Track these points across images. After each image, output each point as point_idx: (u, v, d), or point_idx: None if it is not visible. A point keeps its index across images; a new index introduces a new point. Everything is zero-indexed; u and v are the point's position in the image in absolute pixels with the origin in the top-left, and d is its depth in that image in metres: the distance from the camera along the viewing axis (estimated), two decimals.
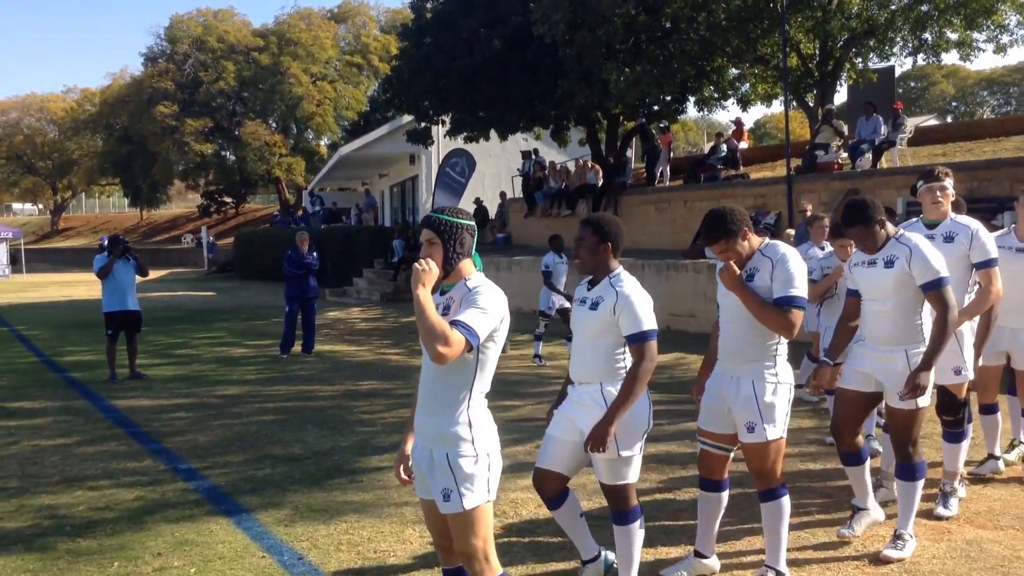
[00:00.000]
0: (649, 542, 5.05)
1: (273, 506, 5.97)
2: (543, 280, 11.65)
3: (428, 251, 3.41)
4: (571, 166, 24.64)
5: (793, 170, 16.45)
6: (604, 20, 18.10)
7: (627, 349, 4.01)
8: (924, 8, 16.76)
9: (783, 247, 4.20)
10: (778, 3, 15.27)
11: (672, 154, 22.83)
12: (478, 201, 27.06)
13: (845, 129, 18.02)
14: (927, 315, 4.58)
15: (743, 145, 22.39)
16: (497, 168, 29.60)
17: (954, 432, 5.29)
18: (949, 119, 55.96)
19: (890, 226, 4.65)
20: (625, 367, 4.02)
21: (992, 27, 16.84)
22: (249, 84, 53.99)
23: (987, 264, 5.08)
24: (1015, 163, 13.25)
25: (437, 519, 3.49)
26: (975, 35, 17.20)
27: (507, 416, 8.13)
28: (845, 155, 16.57)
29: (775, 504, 4.22)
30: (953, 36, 17.30)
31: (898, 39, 18.13)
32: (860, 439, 4.87)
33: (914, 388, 4.40)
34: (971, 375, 5.18)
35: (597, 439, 3.88)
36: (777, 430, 4.17)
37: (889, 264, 4.51)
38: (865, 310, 4.71)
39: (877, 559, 4.63)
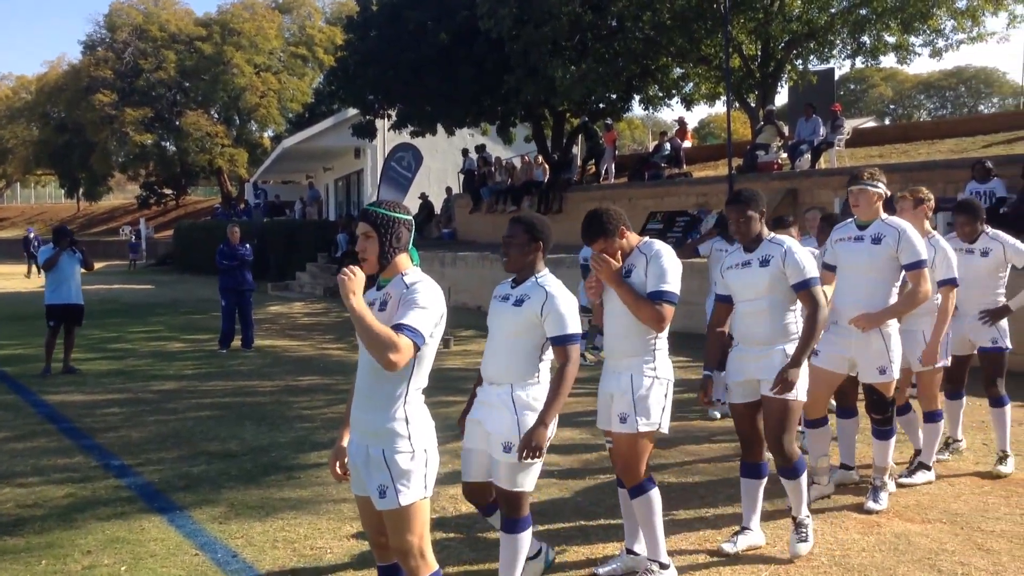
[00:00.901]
0: (586, 538, 5.10)
1: (208, 503, 5.88)
2: (581, 274, 11.34)
3: (364, 244, 3.38)
4: (517, 162, 24.67)
5: (734, 169, 16.67)
6: (551, 17, 18.13)
7: (544, 352, 3.99)
8: (863, 12, 17.08)
9: (659, 245, 4.28)
10: (721, 4, 15.43)
11: (617, 152, 22.97)
12: (424, 196, 26.96)
13: (785, 130, 18.30)
14: (799, 313, 4.63)
15: (687, 144, 22.64)
16: (444, 163, 29.50)
17: (883, 430, 5.35)
18: (887, 121, 57.18)
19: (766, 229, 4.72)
20: (539, 370, 3.99)
21: (928, 31, 17.22)
22: (191, 74, 53.00)
23: (915, 266, 5.12)
24: (948, 165, 13.60)
25: (373, 515, 3.46)
26: (912, 39, 17.57)
27: (449, 412, 8.08)
28: (785, 155, 16.84)
29: (645, 498, 4.23)
30: (891, 40, 17.65)
31: (837, 42, 18.47)
32: (766, 452, 4.79)
33: (783, 384, 4.45)
34: (896, 375, 5.22)
35: (531, 447, 3.80)
36: (650, 424, 4.19)
37: (764, 263, 4.59)
38: (738, 312, 4.74)
39: (790, 554, 4.69)
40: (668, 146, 20.29)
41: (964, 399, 6.29)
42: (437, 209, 27.44)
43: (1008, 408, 6.10)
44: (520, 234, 4.04)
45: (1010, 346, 6.08)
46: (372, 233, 3.38)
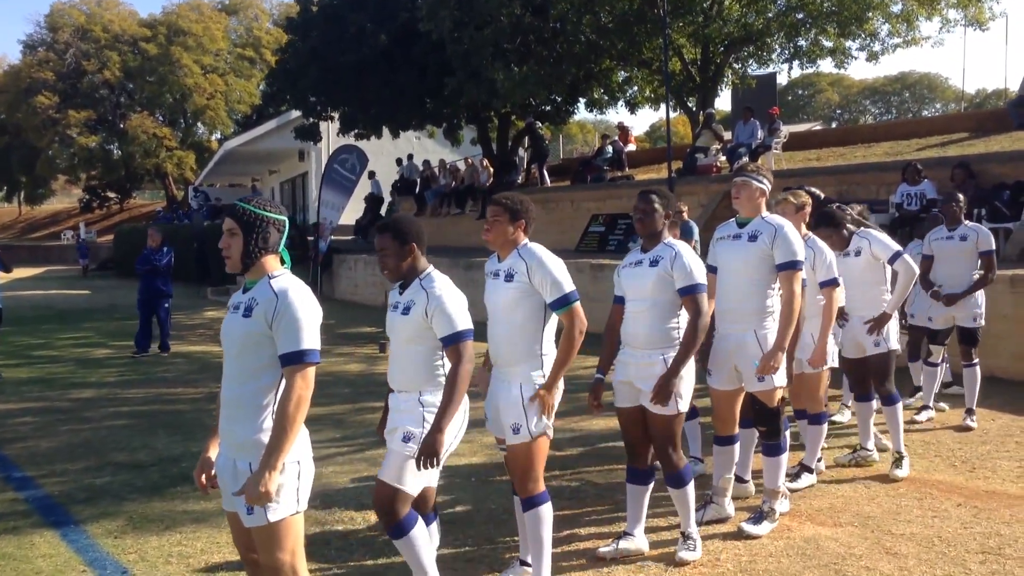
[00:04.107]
0: (494, 546, 4.98)
1: (106, 516, 5.67)
2: None
3: (228, 241, 3.22)
4: (461, 165, 24.52)
5: (674, 172, 16.70)
6: (491, 19, 18.02)
7: (445, 353, 3.86)
8: (799, 16, 17.21)
9: (539, 249, 4.16)
10: (660, 7, 15.43)
11: (555, 154, 22.92)
12: (368, 199, 26.67)
13: (727, 134, 18.39)
14: (683, 321, 4.53)
15: (631, 147, 22.67)
16: (390, 166, 29.20)
17: (770, 445, 5.04)
18: (834, 125, 58.04)
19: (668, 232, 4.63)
20: (444, 373, 3.86)
21: (864, 36, 17.39)
22: (136, 75, 52.10)
23: (788, 266, 4.85)
24: (881, 168, 13.72)
25: (243, 532, 3.29)
26: (848, 43, 17.74)
27: (376, 419, 7.92)
28: (723, 158, 16.89)
29: (536, 512, 4.11)
30: (828, 44, 17.81)
31: (775, 45, 18.59)
32: (650, 458, 4.68)
33: (664, 395, 4.37)
34: (780, 382, 4.94)
35: (428, 453, 3.67)
36: (542, 428, 4.09)
37: (654, 263, 4.49)
38: (626, 312, 4.63)
39: (674, 562, 4.60)
40: (610, 149, 20.29)
41: (874, 403, 6.25)
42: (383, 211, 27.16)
43: (899, 407, 6.09)
44: (389, 242, 3.92)
45: (896, 347, 6.06)
46: (237, 230, 3.22)
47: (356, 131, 23.16)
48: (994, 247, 7.35)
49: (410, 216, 4.19)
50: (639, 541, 4.69)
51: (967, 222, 7.44)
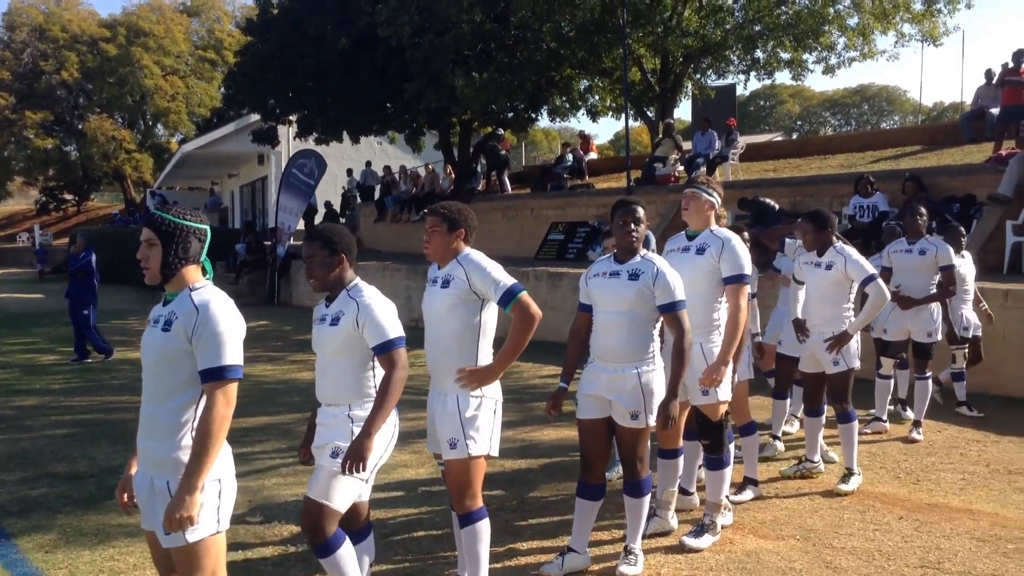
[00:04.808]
0: (430, 559, 4.91)
1: (39, 530, 5.52)
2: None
3: (146, 252, 3.12)
4: (422, 171, 24.42)
5: (633, 182, 16.76)
6: (452, 25, 17.96)
7: (375, 366, 3.78)
8: (756, 28, 17.35)
9: (475, 253, 4.11)
10: (620, 17, 15.48)
11: (517, 162, 22.91)
12: (328, 205, 26.49)
13: (686, 144, 18.48)
14: (657, 334, 4.53)
15: (592, 156, 22.71)
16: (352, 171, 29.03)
17: (713, 458, 5.03)
18: (794, 136, 58.67)
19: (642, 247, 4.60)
20: (375, 387, 3.79)
21: (821, 48, 17.57)
22: (95, 76, 51.26)
23: (735, 279, 4.87)
24: (834, 180, 13.84)
25: (162, 553, 3.18)
26: (805, 55, 17.91)
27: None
28: (681, 168, 16.97)
29: (472, 529, 4.06)
30: (785, 56, 17.97)
31: (733, 57, 18.72)
32: (604, 472, 4.66)
33: (663, 420, 4.35)
34: (724, 396, 4.93)
35: (355, 457, 3.59)
36: (480, 447, 4.01)
37: (634, 277, 4.44)
38: (598, 323, 4.58)
39: None
40: (571, 157, 20.30)
41: (823, 417, 6.26)
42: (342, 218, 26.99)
43: (855, 424, 6.06)
44: (318, 251, 3.83)
45: (856, 365, 6.02)
46: (155, 240, 3.12)
47: (316, 136, 22.98)
48: (953, 262, 7.40)
49: (341, 226, 4.10)
50: (584, 558, 4.65)
51: (927, 236, 7.49)
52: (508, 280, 4.04)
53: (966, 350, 7.99)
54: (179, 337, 3.05)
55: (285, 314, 19.13)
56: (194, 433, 3.04)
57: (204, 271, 3.25)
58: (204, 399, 3.06)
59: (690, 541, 4.96)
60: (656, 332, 4.54)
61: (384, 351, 3.69)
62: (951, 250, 7.43)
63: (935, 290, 7.37)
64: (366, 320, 3.70)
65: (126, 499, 3.31)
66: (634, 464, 4.54)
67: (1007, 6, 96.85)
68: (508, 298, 4.01)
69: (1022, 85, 13.33)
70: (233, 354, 3.07)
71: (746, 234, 6.65)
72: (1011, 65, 13.51)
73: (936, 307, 7.45)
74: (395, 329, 3.73)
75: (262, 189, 32.72)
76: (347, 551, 3.76)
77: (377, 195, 25.05)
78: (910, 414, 7.89)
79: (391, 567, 4.83)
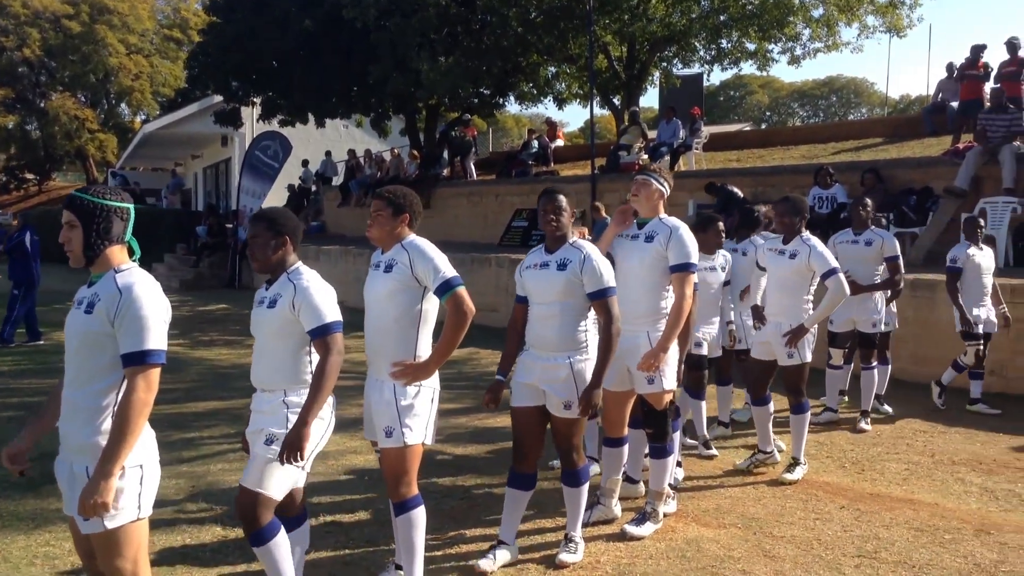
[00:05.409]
0: (375, 546, 4.87)
1: None
2: None
3: (68, 234, 3.05)
4: (387, 156, 24.26)
5: (598, 169, 16.74)
6: (418, 8, 17.82)
7: (312, 352, 3.73)
8: (722, 18, 17.37)
9: (419, 240, 4.08)
10: (586, 3, 15.42)
11: (484, 147, 22.83)
12: (291, 187, 26.24)
13: (650, 132, 18.50)
14: (592, 324, 4.51)
15: (559, 143, 22.69)
16: (316, 154, 28.76)
17: (657, 447, 5.05)
18: (763, 127, 58.98)
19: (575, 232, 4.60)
20: (311, 373, 3.73)
21: (785, 39, 17.63)
22: (57, 53, 50.34)
23: (681, 268, 4.87)
24: (795, 170, 13.92)
25: (83, 539, 3.13)
26: (770, 46, 17.95)
27: None
28: (646, 157, 16.99)
29: (407, 518, 4.03)
30: (750, 46, 18.02)
31: (698, 46, 18.74)
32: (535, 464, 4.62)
33: (585, 407, 4.33)
34: (669, 385, 4.94)
35: (291, 447, 3.53)
36: (416, 435, 3.98)
37: (562, 267, 4.43)
38: (532, 314, 4.56)
39: (554, 564, 4.56)
40: (536, 144, 20.25)
41: (771, 405, 6.29)
42: (307, 201, 26.77)
43: (807, 416, 6.11)
44: (262, 232, 3.77)
45: (809, 358, 6.03)
46: (76, 222, 3.06)
47: (280, 118, 22.74)
48: (899, 253, 7.47)
49: (287, 210, 4.05)
50: (513, 549, 4.62)
51: (873, 227, 7.56)
52: (449, 272, 4.00)
53: (979, 347, 7.90)
54: (101, 320, 2.99)
55: (246, 298, 18.90)
56: (113, 419, 2.98)
57: (132, 252, 3.19)
58: (125, 384, 3.00)
59: (631, 529, 4.97)
60: (591, 321, 4.51)
61: (319, 335, 3.63)
62: (896, 241, 7.51)
63: (880, 280, 7.45)
64: (302, 302, 3.64)
65: (8, 463, 3.24)
66: (570, 454, 4.53)
67: (975, 0, 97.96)
68: (445, 289, 3.97)
69: (980, 79, 13.49)
70: (156, 338, 3.01)
71: (721, 224, 6.68)
72: (970, 59, 13.64)
73: (880, 297, 7.53)
74: (332, 313, 3.67)
75: (226, 171, 32.35)
76: (281, 540, 3.72)
77: (341, 179, 24.87)
78: (888, 408, 7.96)
79: (331, 554, 4.79)
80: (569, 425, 4.47)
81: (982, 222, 8.21)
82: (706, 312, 6.51)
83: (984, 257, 7.96)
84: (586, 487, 4.60)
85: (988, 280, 7.98)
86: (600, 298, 4.39)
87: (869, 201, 7.76)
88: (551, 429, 4.55)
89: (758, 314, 6.22)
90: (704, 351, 6.52)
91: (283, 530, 3.74)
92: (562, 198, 4.50)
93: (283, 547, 3.72)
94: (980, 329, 7.91)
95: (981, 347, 7.92)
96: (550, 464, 6.03)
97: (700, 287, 6.45)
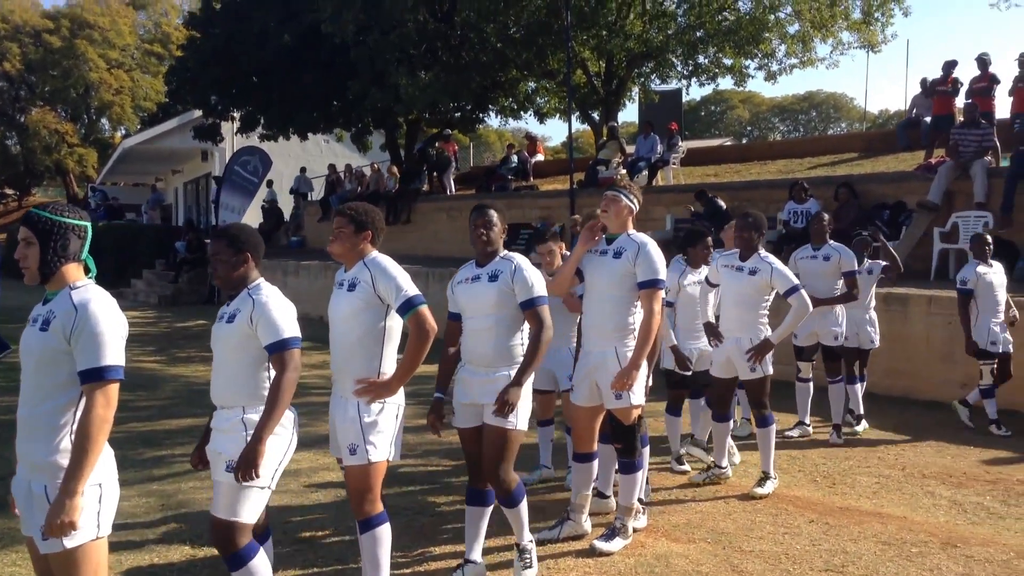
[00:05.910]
0: (343, 563, 4.86)
1: None
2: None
3: (24, 251, 3.06)
4: (368, 170, 24.25)
5: (577, 184, 16.80)
6: (397, 24, 17.87)
7: (270, 368, 3.72)
8: (699, 34, 17.50)
9: (381, 257, 4.10)
10: (564, 19, 15.52)
11: (465, 162, 22.87)
12: (271, 203, 26.17)
13: (627, 147, 18.59)
14: (527, 335, 4.49)
15: (539, 157, 22.76)
16: (296, 169, 28.72)
17: (625, 462, 5.02)
18: (744, 141, 59.36)
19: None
20: (268, 388, 3.72)
21: (761, 55, 17.78)
22: (37, 68, 50.17)
23: (649, 284, 4.84)
24: (771, 185, 14.04)
25: (41, 559, 3.11)
26: (746, 62, 18.10)
27: None
28: (624, 171, 17.07)
29: (372, 535, 4.02)
30: (727, 62, 18.15)
31: (675, 61, 18.87)
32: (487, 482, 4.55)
33: (502, 405, 4.28)
34: (637, 400, 4.91)
35: (246, 464, 3.52)
36: (380, 452, 3.98)
37: (493, 279, 4.43)
38: (466, 329, 4.55)
39: None
40: (515, 158, 20.32)
41: (731, 422, 6.32)
42: (287, 216, 26.70)
43: (773, 428, 6.14)
44: (224, 249, 3.77)
45: (770, 371, 6.07)
46: (33, 239, 3.06)
47: (260, 132, 22.72)
48: (856, 268, 7.54)
49: (249, 226, 4.05)
50: (479, 568, 4.60)
51: (831, 242, 7.62)
52: (412, 290, 4.01)
53: (994, 366, 7.85)
54: (57, 337, 2.99)
55: None
56: (73, 436, 2.97)
57: (87, 270, 3.19)
58: (83, 401, 2.99)
59: (600, 545, 4.97)
60: (527, 334, 4.48)
61: (276, 350, 3.62)
62: (854, 256, 7.57)
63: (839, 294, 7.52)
64: (260, 317, 3.63)
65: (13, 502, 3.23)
66: (498, 475, 4.40)
67: (952, 17, 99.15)
68: (407, 308, 3.98)
69: (950, 95, 13.64)
70: (113, 354, 3.01)
71: (709, 239, 6.71)
72: (941, 75, 13.80)
73: (841, 310, 7.59)
74: (290, 329, 3.66)
75: (206, 186, 32.20)
76: (260, 562, 3.71)
77: (320, 195, 24.84)
78: (861, 427, 7.98)
79: (299, 572, 4.78)
80: (499, 436, 4.36)
81: (989, 239, 8.11)
82: (694, 327, 6.53)
83: (995, 274, 7.93)
84: (524, 503, 4.54)
85: (1001, 296, 7.94)
86: (531, 307, 4.39)
87: (826, 215, 7.85)
88: (483, 450, 4.45)
89: (712, 331, 6.21)
90: (692, 366, 6.53)
91: (261, 550, 3.74)
92: (493, 213, 4.52)
93: (262, 568, 3.72)
94: (999, 348, 7.83)
95: (995, 366, 7.85)
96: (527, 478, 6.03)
97: (687, 301, 6.50)
